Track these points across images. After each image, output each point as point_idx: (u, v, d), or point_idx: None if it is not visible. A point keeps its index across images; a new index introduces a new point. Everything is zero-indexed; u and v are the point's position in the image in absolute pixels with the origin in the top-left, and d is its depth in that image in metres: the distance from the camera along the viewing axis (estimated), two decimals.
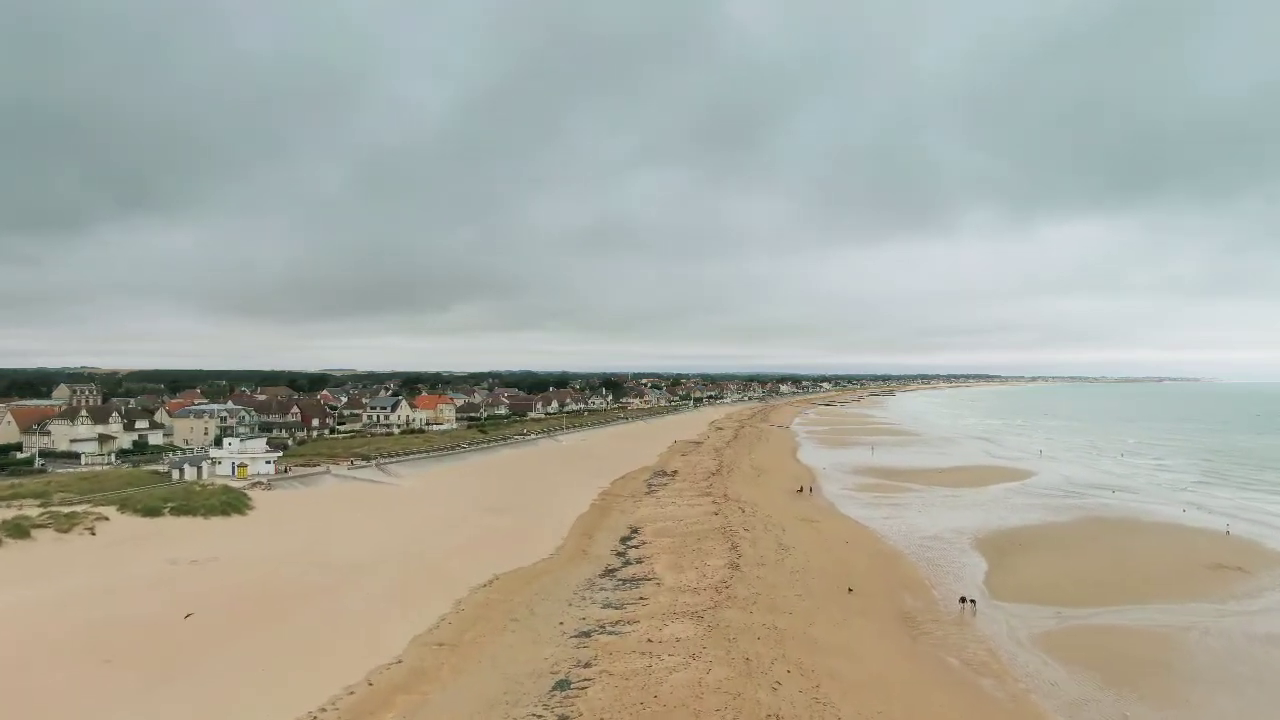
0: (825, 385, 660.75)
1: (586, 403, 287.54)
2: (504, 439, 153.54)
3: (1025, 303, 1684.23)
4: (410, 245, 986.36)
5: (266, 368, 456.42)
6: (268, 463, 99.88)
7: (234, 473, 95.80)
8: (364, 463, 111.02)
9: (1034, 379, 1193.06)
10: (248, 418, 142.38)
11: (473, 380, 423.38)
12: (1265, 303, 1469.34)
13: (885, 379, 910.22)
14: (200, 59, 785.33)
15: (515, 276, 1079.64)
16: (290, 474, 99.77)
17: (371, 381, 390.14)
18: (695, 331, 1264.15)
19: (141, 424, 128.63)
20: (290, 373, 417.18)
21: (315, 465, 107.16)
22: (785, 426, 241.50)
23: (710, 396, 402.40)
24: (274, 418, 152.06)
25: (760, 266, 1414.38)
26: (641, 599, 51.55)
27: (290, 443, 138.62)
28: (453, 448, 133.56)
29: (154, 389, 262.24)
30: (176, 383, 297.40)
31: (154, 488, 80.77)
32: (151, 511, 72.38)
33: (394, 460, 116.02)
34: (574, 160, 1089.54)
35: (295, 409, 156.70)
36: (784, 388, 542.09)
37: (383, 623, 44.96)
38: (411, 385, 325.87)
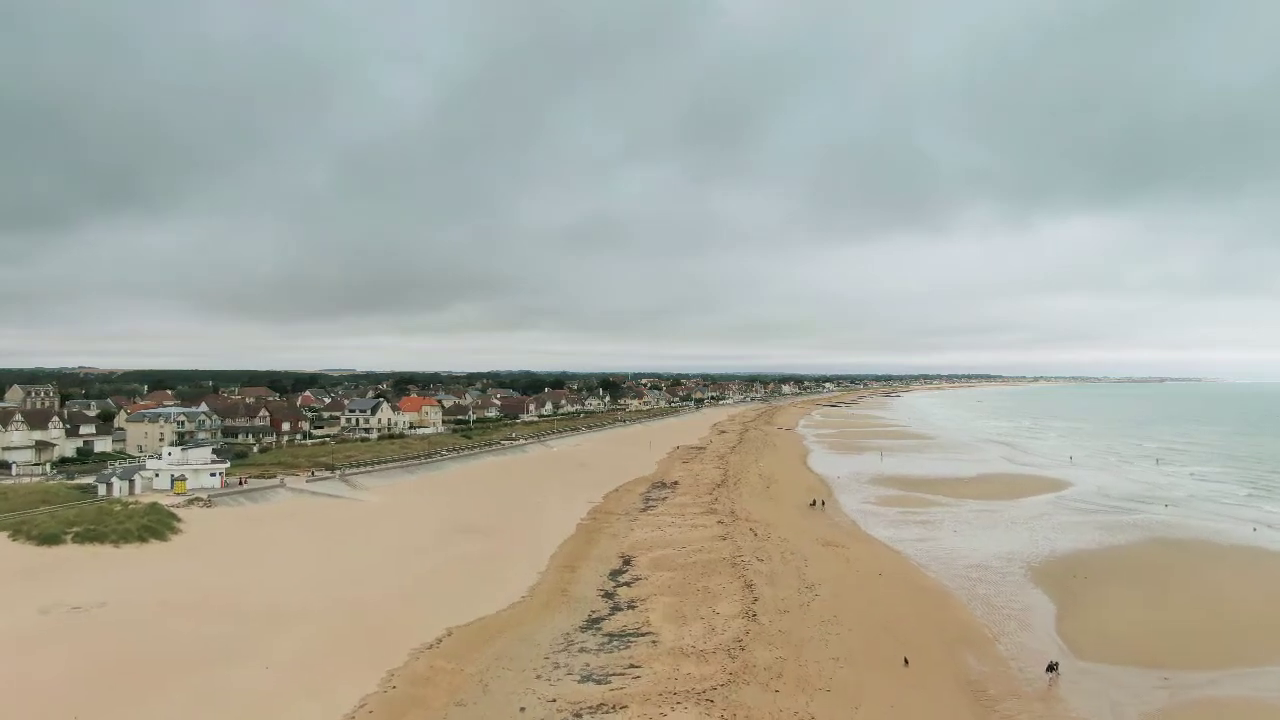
0: (828, 385, 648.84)
1: (583, 404, 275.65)
2: (489, 445, 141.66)
3: (1022, 302, 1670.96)
4: (403, 243, 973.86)
5: (262, 368, 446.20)
6: (213, 475, 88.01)
7: (172, 487, 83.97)
8: (327, 474, 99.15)
9: (1036, 379, 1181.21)
10: (209, 422, 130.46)
11: (467, 381, 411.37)
12: (1267, 302, 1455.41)
13: (888, 379, 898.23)
14: (170, 50, 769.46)
15: (510, 275, 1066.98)
16: (241, 487, 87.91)
17: (370, 381, 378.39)
18: (693, 331, 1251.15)
19: (87, 429, 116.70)
20: (284, 373, 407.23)
21: (272, 477, 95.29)
22: (791, 429, 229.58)
23: (712, 397, 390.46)
24: (240, 421, 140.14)
25: (757, 265, 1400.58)
26: (632, 666, 39.69)
27: (256, 449, 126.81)
28: (430, 455, 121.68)
29: (138, 390, 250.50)
30: (161, 383, 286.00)
31: (63, 508, 68.83)
32: (50, 539, 60.52)
33: (362, 470, 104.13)
34: (563, 156, 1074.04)
35: (264, 412, 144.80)
36: (786, 388, 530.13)
37: (275, 709, 33.07)
38: (404, 386, 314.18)
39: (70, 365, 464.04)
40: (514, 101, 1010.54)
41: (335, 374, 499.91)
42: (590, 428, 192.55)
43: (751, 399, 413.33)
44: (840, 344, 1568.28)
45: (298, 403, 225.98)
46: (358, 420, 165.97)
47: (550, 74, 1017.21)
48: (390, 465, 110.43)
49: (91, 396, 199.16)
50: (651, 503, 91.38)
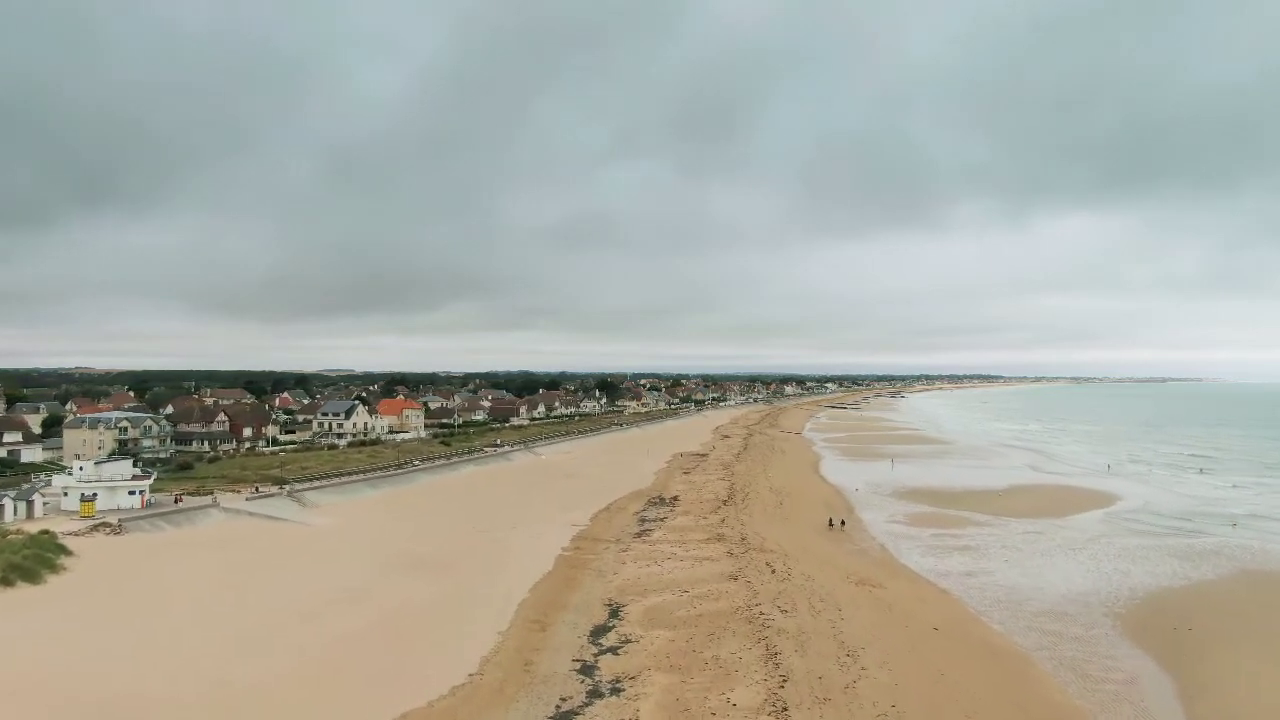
0: (830, 386, 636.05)
1: (578, 406, 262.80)
2: (471, 452, 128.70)
3: (1021, 301, 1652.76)
4: (397, 242, 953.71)
5: (261, 368, 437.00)
6: (133, 493, 75.00)
7: (80, 508, 70.96)
8: (275, 489, 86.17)
9: (1037, 379, 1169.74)
10: (156, 428, 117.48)
11: (461, 382, 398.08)
12: (1268, 302, 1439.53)
13: (889, 379, 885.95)
14: (136, 42, 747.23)
15: (510, 274, 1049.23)
16: (167, 507, 74.92)
17: (367, 382, 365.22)
18: (693, 330, 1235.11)
19: (12, 437, 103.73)
20: (266, 373, 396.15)
21: (208, 494, 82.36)
22: (799, 433, 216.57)
23: (713, 399, 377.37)
24: (194, 427, 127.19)
25: (755, 263, 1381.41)
26: None
27: (210, 458, 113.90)
28: (401, 465, 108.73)
29: (118, 390, 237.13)
30: (144, 383, 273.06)
31: None
32: None
33: (317, 485, 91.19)
34: (554, 151, 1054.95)
35: (223, 416, 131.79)
36: (788, 389, 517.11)
37: None
38: (392, 388, 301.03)
39: (67, 366, 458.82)
40: (499, 94, 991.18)
41: (332, 374, 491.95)
42: (584, 432, 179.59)
43: (754, 400, 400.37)
44: (840, 344, 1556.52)
45: (275, 404, 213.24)
46: (331, 425, 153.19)
47: (535, 65, 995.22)
48: (353, 478, 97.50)
49: (64, 398, 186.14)
50: (647, 525, 78.37)
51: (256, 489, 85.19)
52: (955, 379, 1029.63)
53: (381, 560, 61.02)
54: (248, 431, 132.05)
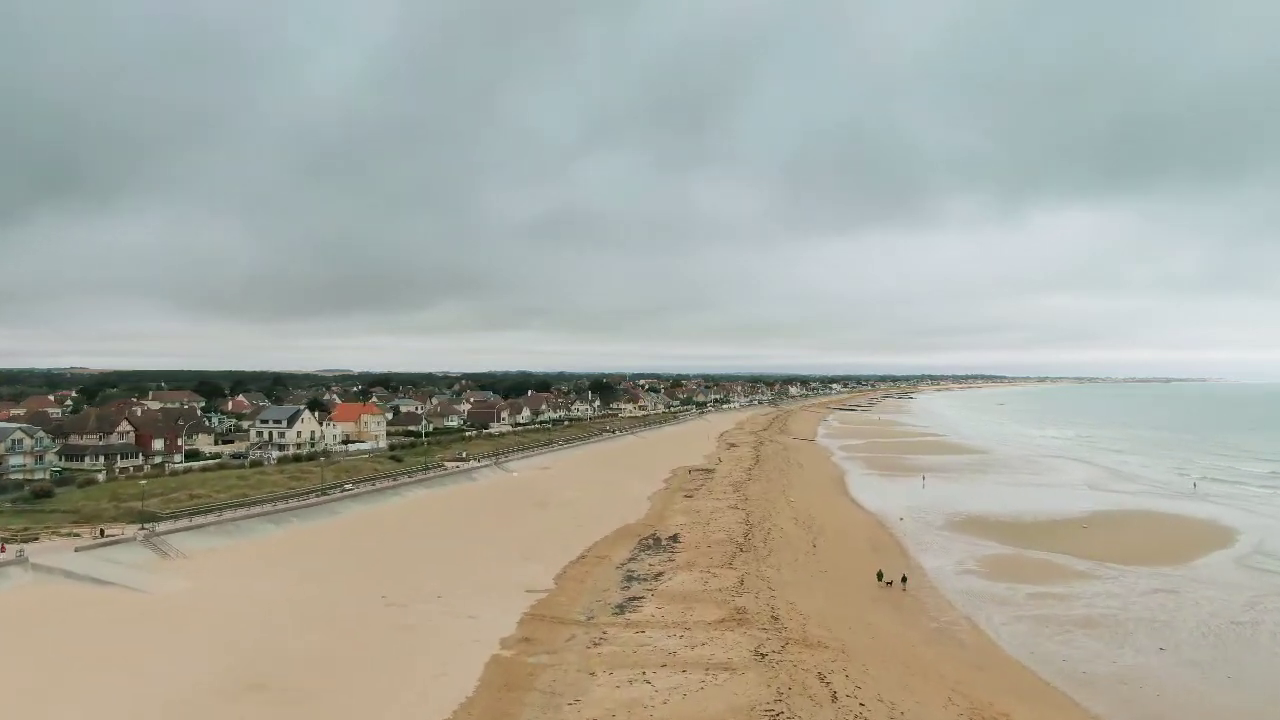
0: (835, 387, 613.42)
1: (569, 410, 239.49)
2: (425, 470, 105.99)
3: (1019, 301, 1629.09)
4: (378, 238, 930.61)
5: (262, 369, 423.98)
6: None
7: None
8: (135, 531, 63.47)
9: (1042, 379, 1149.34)
10: (30, 443, 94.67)
11: (447, 383, 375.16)
12: (1268, 302, 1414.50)
13: (892, 380, 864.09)
14: (69, 29, 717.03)
15: (492, 270, 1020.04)
16: None
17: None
18: (692, 330, 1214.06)
19: None
20: (273, 373, 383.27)
21: (32, 539, 59.72)
22: (812, 440, 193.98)
23: (715, 400, 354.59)
24: (88, 439, 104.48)
25: (752, 262, 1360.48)
26: None
27: (105, 478, 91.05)
28: (327, 491, 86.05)
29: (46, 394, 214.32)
30: (112, 384, 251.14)
31: None
32: None
33: (198, 524, 68.49)
34: (522, 141, 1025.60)
35: (126, 426, 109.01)
36: (792, 389, 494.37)
37: None
38: (367, 390, 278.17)
39: (61, 365, 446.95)
40: (460, 78, 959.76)
41: (329, 375, 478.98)
42: (570, 441, 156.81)
43: (758, 401, 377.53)
44: (840, 344, 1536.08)
45: (227, 408, 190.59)
46: (271, 434, 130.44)
47: (495, 47, 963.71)
48: (255, 511, 74.88)
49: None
50: (635, 589, 55.68)
51: (102, 532, 62.49)
52: (959, 379, 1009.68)
53: (212, 673, 38.42)
54: (158, 444, 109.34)
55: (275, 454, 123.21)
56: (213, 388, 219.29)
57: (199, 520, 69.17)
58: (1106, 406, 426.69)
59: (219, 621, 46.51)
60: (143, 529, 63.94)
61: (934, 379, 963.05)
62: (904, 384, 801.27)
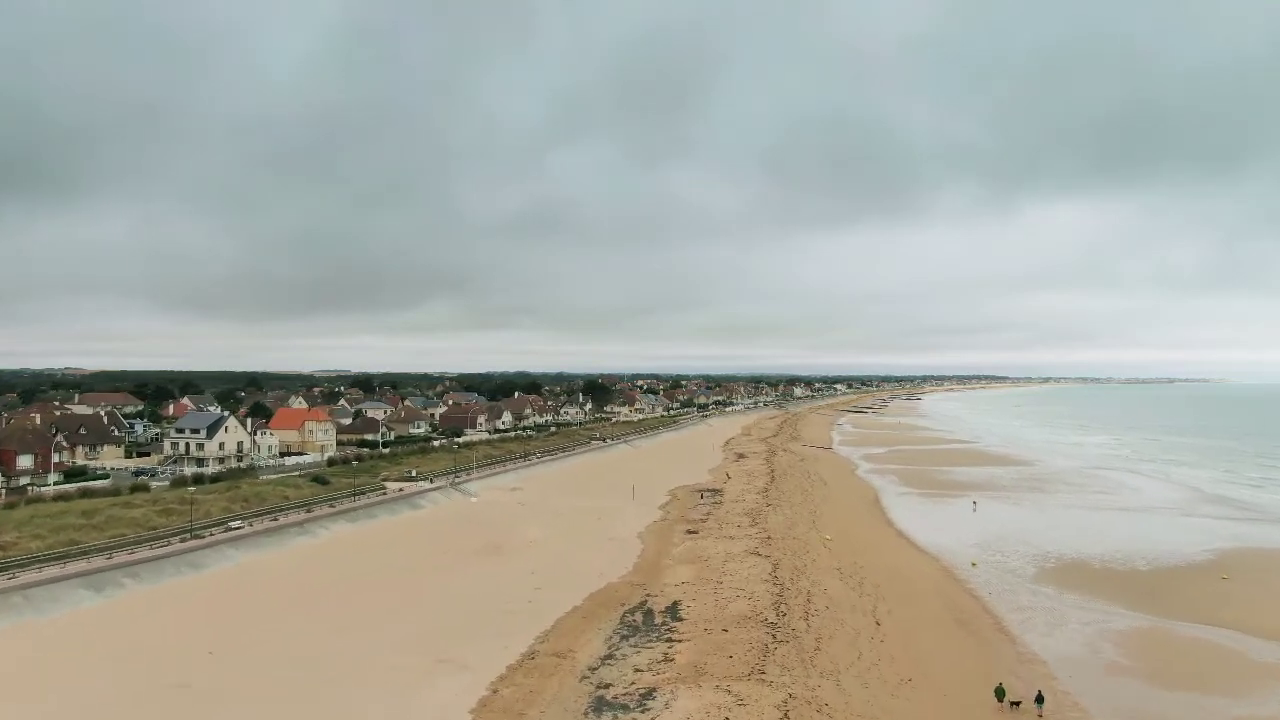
0: (839, 387, 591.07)
1: (557, 414, 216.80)
2: (355, 496, 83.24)
3: (1018, 300, 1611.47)
4: (360, 236, 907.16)
5: (260, 369, 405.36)
6: None
7: None
8: None
9: (1045, 380, 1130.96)
10: None
11: (428, 383, 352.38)
12: (1269, 301, 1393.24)
13: (897, 380, 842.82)
14: None
15: (475, 268, 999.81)
16: None
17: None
18: (688, 330, 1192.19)
19: None
20: (248, 373, 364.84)
21: None
22: (828, 448, 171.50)
23: (717, 402, 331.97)
24: None
25: (739, 259, 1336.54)
26: None
27: None
28: (200, 532, 63.30)
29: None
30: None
31: None
32: None
33: (21, 582, 45.99)
34: (492, 131, 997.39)
35: None
36: (797, 390, 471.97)
37: None
38: (335, 392, 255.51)
39: (56, 366, 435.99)
40: (417, 59, 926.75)
41: (323, 375, 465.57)
42: (552, 452, 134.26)
43: (763, 404, 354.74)
44: (840, 344, 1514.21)
45: (170, 412, 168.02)
46: (188, 445, 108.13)
47: (461, 29, 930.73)
48: (67, 570, 52.31)
49: None
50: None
51: None
52: (962, 380, 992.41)
53: None
54: (25, 461, 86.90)
55: (190, 469, 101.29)
56: (158, 389, 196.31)
57: (21, 580, 46.78)
58: (1122, 409, 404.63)
59: None
60: None
61: (937, 379, 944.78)
62: (907, 385, 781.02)
